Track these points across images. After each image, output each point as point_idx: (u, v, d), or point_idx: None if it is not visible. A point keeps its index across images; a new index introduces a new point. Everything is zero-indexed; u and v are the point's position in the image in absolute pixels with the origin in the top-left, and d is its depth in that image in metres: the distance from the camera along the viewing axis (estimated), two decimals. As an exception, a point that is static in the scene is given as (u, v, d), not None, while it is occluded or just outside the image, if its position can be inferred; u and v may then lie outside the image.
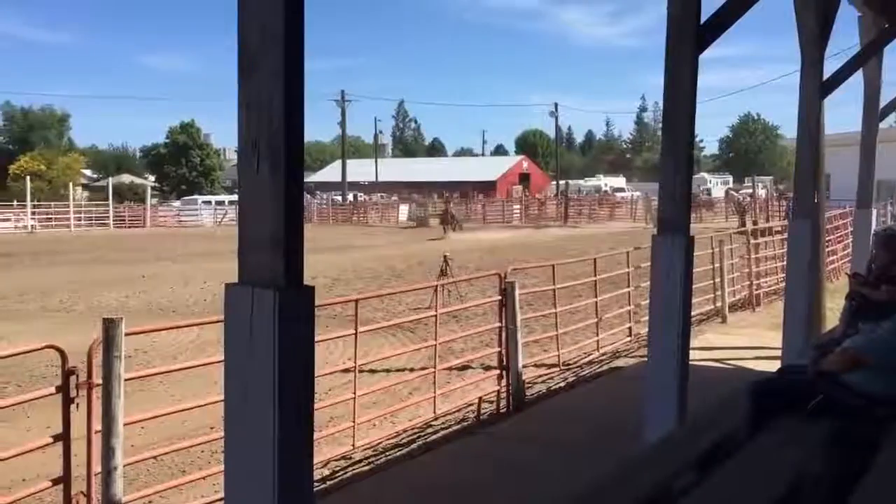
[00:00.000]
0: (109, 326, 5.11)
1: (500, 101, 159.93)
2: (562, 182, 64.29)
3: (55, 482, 5.19)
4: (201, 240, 36.28)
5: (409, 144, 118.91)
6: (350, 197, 65.47)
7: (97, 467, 5.22)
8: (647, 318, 9.09)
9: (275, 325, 2.65)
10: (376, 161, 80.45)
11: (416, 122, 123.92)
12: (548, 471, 6.56)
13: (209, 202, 58.32)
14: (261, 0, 2.60)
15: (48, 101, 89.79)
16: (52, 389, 5.16)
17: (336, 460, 7.09)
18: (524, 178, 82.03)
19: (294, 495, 2.73)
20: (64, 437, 5.10)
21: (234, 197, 62.01)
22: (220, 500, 5.97)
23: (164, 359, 10.86)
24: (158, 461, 6.89)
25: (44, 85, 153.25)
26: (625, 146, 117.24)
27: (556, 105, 67.99)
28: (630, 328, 11.92)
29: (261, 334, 2.68)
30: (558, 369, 10.19)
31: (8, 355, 5.54)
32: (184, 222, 52.46)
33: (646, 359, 6.21)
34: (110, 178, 60.69)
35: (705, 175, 74.68)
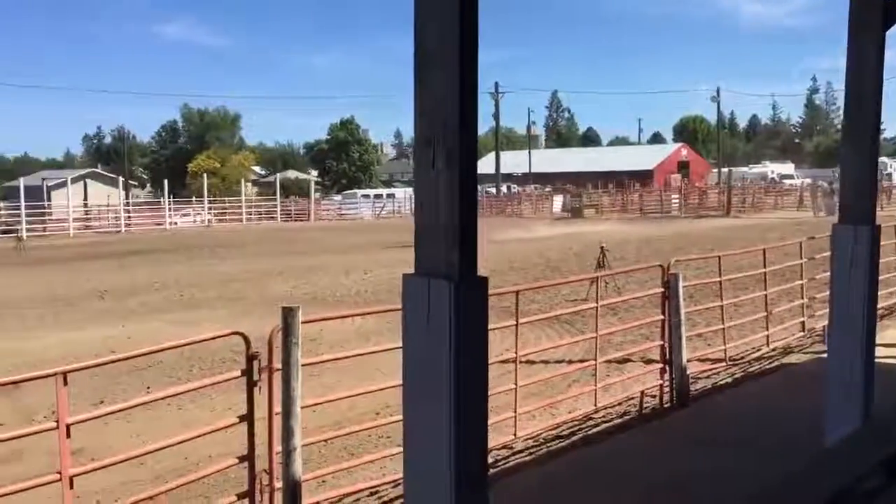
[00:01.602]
0: (288, 315, 5.42)
1: (659, 88, 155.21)
2: (724, 170, 61.48)
3: (241, 459, 5.56)
4: (361, 232, 37.63)
5: (562, 134, 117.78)
6: (504, 188, 65.71)
7: (277, 447, 5.55)
8: (821, 312, 8.61)
9: (450, 315, 2.71)
10: (529, 152, 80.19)
11: (569, 111, 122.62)
12: (716, 470, 6.35)
13: (368, 196, 60.51)
14: (438, 1, 2.67)
15: (221, 103, 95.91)
16: (238, 373, 5.53)
17: (498, 449, 7.18)
18: (683, 167, 79.25)
19: (469, 482, 2.79)
20: (248, 418, 5.46)
21: (392, 190, 64.00)
22: (387, 483, 6.23)
23: (331, 346, 11.36)
24: (329, 444, 7.23)
25: (217, 87, 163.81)
26: (794, 130, 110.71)
27: (717, 90, 64.99)
28: (803, 322, 11.29)
29: (437, 324, 2.75)
30: (724, 364, 9.82)
31: (199, 340, 5.99)
32: (344, 215, 54.64)
33: (820, 355, 5.89)
34: (277, 175, 64.07)
35: (885, 159, 69.29)
